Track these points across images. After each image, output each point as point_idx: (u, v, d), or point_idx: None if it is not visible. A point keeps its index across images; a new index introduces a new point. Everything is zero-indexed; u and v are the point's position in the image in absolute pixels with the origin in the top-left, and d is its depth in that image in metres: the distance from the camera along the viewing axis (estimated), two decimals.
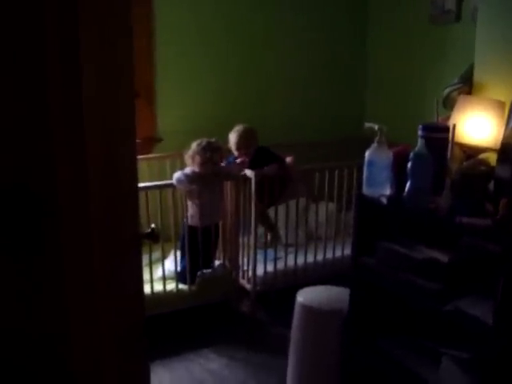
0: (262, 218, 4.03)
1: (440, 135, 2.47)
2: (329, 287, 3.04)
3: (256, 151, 4.04)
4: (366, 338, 2.73)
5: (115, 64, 1.74)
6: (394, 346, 2.65)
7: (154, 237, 2.30)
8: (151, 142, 4.19)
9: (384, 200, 2.53)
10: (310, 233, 4.17)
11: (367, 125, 2.64)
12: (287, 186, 4.04)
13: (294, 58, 4.71)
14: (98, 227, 1.74)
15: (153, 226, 2.31)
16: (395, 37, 4.66)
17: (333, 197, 4.10)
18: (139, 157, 4.17)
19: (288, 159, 4.04)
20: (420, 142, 2.42)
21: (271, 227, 4.07)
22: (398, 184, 2.55)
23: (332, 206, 4.19)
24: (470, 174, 2.33)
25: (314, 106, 4.85)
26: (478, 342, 2.36)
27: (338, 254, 4.15)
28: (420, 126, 2.50)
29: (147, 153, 4.14)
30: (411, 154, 2.41)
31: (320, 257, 4.09)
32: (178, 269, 3.73)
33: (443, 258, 2.39)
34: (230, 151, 4.06)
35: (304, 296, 2.93)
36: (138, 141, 4.02)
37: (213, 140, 3.71)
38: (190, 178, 3.60)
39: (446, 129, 2.50)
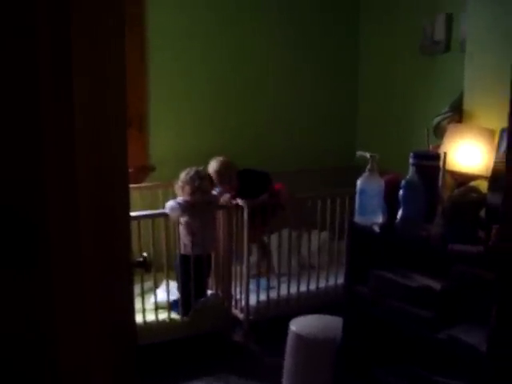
0: (259, 242, 4.03)
1: (431, 163, 2.49)
2: (322, 316, 3.03)
3: (240, 177, 4.01)
4: (359, 367, 2.71)
5: (107, 89, 1.74)
6: (389, 375, 2.63)
7: (146, 265, 2.29)
8: (144, 171, 4.18)
9: (376, 228, 2.53)
10: (303, 261, 4.15)
11: (359, 153, 2.65)
12: (277, 214, 4.04)
13: (288, 88, 4.74)
14: (88, 254, 1.73)
15: (145, 254, 2.30)
16: (385, 65, 4.71)
17: (325, 225, 4.10)
18: (131, 186, 4.16)
19: (280, 189, 4.04)
20: (411, 170, 2.44)
21: (266, 251, 4.07)
22: (389, 212, 2.55)
23: (325, 234, 4.20)
24: (461, 201, 2.34)
25: (306, 135, 4.88)
26: (471, 370, 2.34)
27: (331, 282, 4.14)
28: (411, 154, 2.51)
29: (140, 182, 4.13)
30: (403, 182, 2.42)
31: (313, 286, 4.07)
32: (171, 298, 3.70)
33: (436, 285, 2.39)
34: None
35: (297, 325, 2.91)
36: (130, 170, 4.01)
37: (200, 168, 3.72)
38: (183, 207, 3.60)
39: (437, 157, 2.52)
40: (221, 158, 3.97)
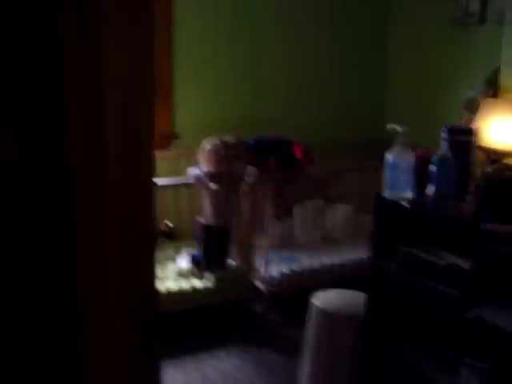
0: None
1: (465, 138, 2.39)
2: (344, 291, 2.96)
3: (253, 150, 3.86)
4: (383, 344, 2.65)
5: (137, 52, 1.67)
6: (413, 353, 2.57)
7: (170, 234, 2.25)
8: (168, 138, 4.12)
9: (406, 203, 2.45)
10: (327, 235, 4.08)
11: (390, 126, 2.56)
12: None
13: (312, 57, 4.61)
14: (114, 222, 1.68)
15: (169, 223, 2.25)
16: (417, 38, 4.55)
17: (351, 199, 4.02)
18: (155, 153, 4.09)
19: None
20: (444, 145, 2.35)
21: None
22: (419, 188, 2.47)
23: (349, 207, 4.12)
24: (495, 179, 2.25)
25: (332, 107, 4.76)
26: (499, 353, 2.27)
27: (355, 256, 4.07)
28: (444, 129, 2.42)
29: (163, 149, 4.07)
30: (435, 158, 2.34)
31: (336, 259, 4.01)
32: (194, 255, 3.66)
33: (465, 264, 2.31)
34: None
35: (319, 299, 2.85)
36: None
37: (226, 138, 3.64)
38: (208, 177, 3.55)
39: (471, 132, 2.42)
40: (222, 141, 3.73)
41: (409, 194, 2.48)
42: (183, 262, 3.70)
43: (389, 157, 2.51)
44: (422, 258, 2.43)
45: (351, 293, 2.93)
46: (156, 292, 2.16)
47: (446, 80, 4.22)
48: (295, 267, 3.90)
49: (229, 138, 3.67)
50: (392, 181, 2.51)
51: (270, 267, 3.79)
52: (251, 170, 3.66)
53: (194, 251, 3.67)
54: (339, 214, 4.04)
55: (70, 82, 1.44)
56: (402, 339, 2.62)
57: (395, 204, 2.49)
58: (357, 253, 4.06)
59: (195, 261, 3.66)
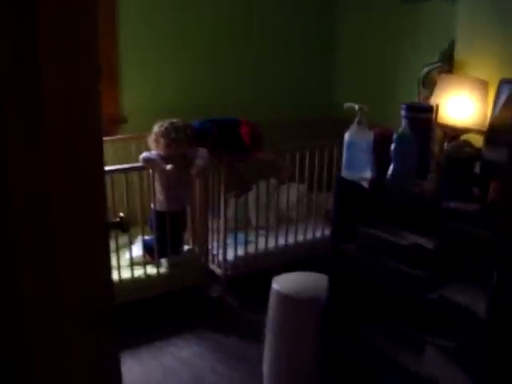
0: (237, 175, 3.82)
1: (424, 116, 2.32)
2: (305, 273, 2.87)
3: (200, 131, 3.65)
4: (346, 326, 2.58)
5: (77, 34, 1.52)
6: (376, 335, 2.51)
7: (123, 226, 2.12)
8: (115, 123, 3.94)
9: (365, 183, 2.36)
10: (281, 215, 3.98)
11: (347, 105, 2.46)
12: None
13: (263, 37, 4.47)
14: (59, 216, 1.55)
15: (121, 214, 2.12)
16: (365, 17, 4.44)
17: (303, 178, 3.93)
18: (103, 139, 3.92)
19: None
20: (404, 123, 2.27)
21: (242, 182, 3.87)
22: (379, 167, 2.39)
23: (303, 186, 4.02)
24: (456, 156, 2.18)
25: (283, 87, 4.63)
26: (464, 331, 2.22)
27: (310, 236, 3.99)
28: (403, 106, 2.34)
29: (111, 134, 3.89)
30: (394, 136, 2.25)
31: (291, 239, 3.92)
32: (146, 243, 3.52)
33: (428, 244, 2.25)
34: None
35: (280, 283, 2.76)
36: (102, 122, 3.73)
37: (175, 120, 3.48)
38: (158, 160, 3.40)
39: (431, 109, 2.34)
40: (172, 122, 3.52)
41: (368, 174, 2.40)
42: (137, 250, 3.55)
43: (346, 136, 2.42)
44: (382, 239, 2.36)
45: (311, 275, 2.85)
46: (111, 284, 2.03)
47: (397, 57, 4.13)
48: (250, 249, 3.79)
49: (177, 121, 3.52)
50: (350, 160, 2.42)
51: (226, 250, 3.68)
52: (202, 151, 3.52)
53: (148, 240, 3.53)
54: (293, 193, 3.94)
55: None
56: (364, 321, 2.56)
57: (354, 184, 2.40)
58: (312, 232, 3.99)
59: (148, 247, 3.52)
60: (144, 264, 3.50)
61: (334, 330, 2.60)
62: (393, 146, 2.24)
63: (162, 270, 3.56)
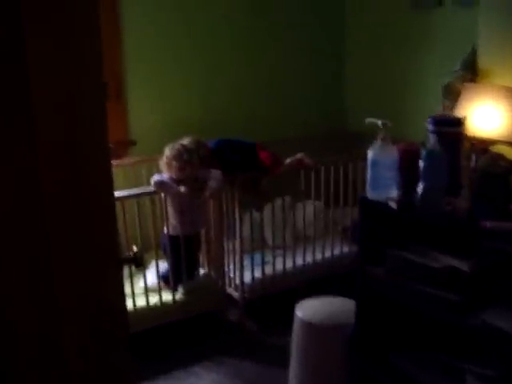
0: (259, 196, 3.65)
1: (454, 129, 2.13)
2: (329, 298, 2.69)
3: (223, 151, 3.53)
4: (376, 355, 2.39)
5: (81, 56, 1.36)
6: (409, 363, 2.32)
7: (137, 261, 1.94)
8: (124, 146, 3.78)
9: (393, 204, 2.18)
10: (298, 233, 3.80)
11: (368, 120, 2.29)
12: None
13: (270, 54, 4.30)
14: (61, 252, 1.40)
15: (134, 248, 1.94)
16: (375, 26, 4.27)
17: (319, 194, 3.74)
18: (112, 162, 3.75)
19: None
20: (431, 138, 2.09)
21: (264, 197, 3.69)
22: (405, 185, 2.21)
23: (319, 203, 3.83)
24: (491, 171, 2.00)
25: (294, 103, 4.46)
26: (506, 358, 2.03)
27: (328, 254, 3.79)
28: (429, 120, 2.16)
29: (120, 158, 3.72)
30: (423, 152, 2.07)
31: (309, 258, 3.73)
32: (161, 271, 3.34)
33: (463, 265, 2.06)
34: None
35: (303, 310, 2.57)
36: (110, 146, 3.56)
37: (187, 141, 3.32)
38: (172, 182, 3.23)
39: (460, 122, 2.15)
40: (188, 138, 3.38)
41: (394, 193, 2.22)
42: (151, 277, 3.37)
43: (370, 154, 2.24)
44: (414, 261, 2.17)
45: (335, 300, 2.66)
46: (126, 316, 1.86)
47: (412, 66, 3.93)
48: (268, 271, 3.61)
49: (189, 142, 3.35)
50: (375, 180, 2.25)
51: (242, 273, 3.49)
52: (215, 173, 3.35)
53: (162, 268, 3.35)
54: (309, 210, 3.75)
55: None
56: (395, 349, 2.36)
57: (380, 204, 2.22)
58: (330, 250, 3.80)
59: (164, 278, 3.35)
60: (159, 291, 3.32)
61: (363, 359, 2.41)
62: (422, 164, 2.07)
63: (178, 296, 3.37)
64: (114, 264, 1.76)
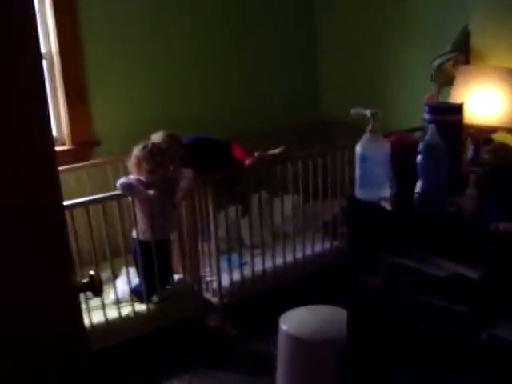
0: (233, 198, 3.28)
1: (454, 118, 1.78)
2: (317, 307, 2.33)
3: (196, 149, 3.18)
4: (372, 372, 2.05)
5: None
6: (409, 379, 1.98)
7: (95, 288, 1.58)
8: (88, 147, 3.37)
9: (387, 204, 1.83)
10: (276, 230, 3.44)
11: (354, 110, 1.94)
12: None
13: (237, 43, 3.90)
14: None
15: (91, 272, 1.58)
16: (348, 11, 3.88)
17: (297, 189, 3.37)
18: (76, 165, 3.39)
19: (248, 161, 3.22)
20: (430, 129, 1.73)
21: (244, 200, 3.32)
22: (400, 183, 1.86)
23: (297, 198, 3.46)
24: (501, 164, 1.65)
25: (264, 94, 4.07)
26: None
27: (309, 251, 3.44)
28: (426, 108, 1.81)
29: (84, 159, 3.33)
30: (421, 145, 1.73)
31: (290, 257, 3.38)
32: (133, 285, 2.96)
33: (471, 273, 1.72)
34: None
35: (288, 322, 2.22)
36: (72, 147, 3.14)
37: (160, 138, 2.94)
38: (140, 185, 2.84)
39: (460, 109, 1.80)
40: (160, 132, 3.08)
41: (387, 192, 1.87)
42: (122, 287, 2.99)
43: (358, 148, 1.89)
44: (414, 270, 1.83)
45: (323, 310, 2.32)
46: (86, 344, 1.55)
47: (391, 51, 3.53)
48: (247, 272, 3.25)
49: (162, 140, 2.97)
50: (364, 177, 1.90)
51: (220, 276, 3.13)
52: (187, 172, 2.97)
53: (134, 281, 2.97)
54: (288, 205, 3.39)
55: None
56: (394, 365, 2.02)
57: (372, 205, 1.87)
58: (311, 247, 3.45)
59: (137, 293, 2.97)
60: (132, 301, 2.94)
61: (358, 376, 2.07)
62: (419, 159, 1.72)
63: (153, 305, 3.00)
64: (69, 293, 1.44)
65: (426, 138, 1.71)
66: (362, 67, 3.79)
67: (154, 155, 2.84)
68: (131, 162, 2.90)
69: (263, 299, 3.28)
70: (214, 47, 3.80)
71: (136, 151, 2.88)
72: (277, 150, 3.21)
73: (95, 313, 2.85)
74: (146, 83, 3.54)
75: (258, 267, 3.28)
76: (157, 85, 3.59)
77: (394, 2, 3.39)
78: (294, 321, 2.22)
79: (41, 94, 1.27)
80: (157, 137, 3.06)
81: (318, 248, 3.47)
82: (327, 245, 3.48)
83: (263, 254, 3.28)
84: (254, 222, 3.28)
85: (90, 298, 2.81)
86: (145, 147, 2.86)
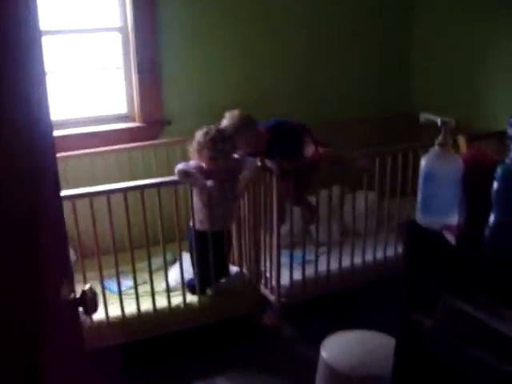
0: (301, 202, 2.94)
1: None
2: (365, 334, 1.96)
3: (269, 133, 2.87)
4: None
5: None
6: None
7: (87, 305, 1.32)
8: (158, 125, 3.14)
9: (451, 236, 1.42)
10: (347, 228, 3.05)
11: (424, 116, 1.53)
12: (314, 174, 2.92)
13: (324, 28, 3.46)
14: None
15: (86, 287, 1.32)
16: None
17: (372, 185, 2.96)
18: (144, 143, 3.17)
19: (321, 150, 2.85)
20: None
21: (311, 208, 2.96)
22: (471, 210, 1.44)
23: (372, 195, 3.05)
24: None
25: (348, 82, 3.63)
26: None
27: (380, 254, 3.03)
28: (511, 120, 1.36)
29: (153, 138, 3.11)
30: (499, 170, 1.29)
31: (358, 259, 2.99)
32: (187, 277, 2.71)
33: None
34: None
35: (330, 350, 1.86)
36: (142, 124, 2.91)
37: (223, 127, 2.63)
38: (200, 173, 2.56)
39: None
40: (236, 112, 2.78)
41: (454, 220, 1.46)
42: (174, 274, 2.75)
43: (423, 164, 1.48)
44: (474, 318, 1.42)
45: (372, 337, 1.94)
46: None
47: (495, 47, 2.98)
48: (309, 272, 2.90)
49: (229, 124, 2.68)
50: (428, 199, 1.50)
51: (279, 273, 2.81)
52: (251, 161, 2.66)
53: (188, 274, 2.72)
54: (361, 202, 2.98)
55: None
56: None
57: (434, 234, 1.47)
58: (383, 250, 3.04)
59: (190, 287, 2.73)
60: (183, 291, 2.69)
61: None
62: (495, 186, 1.29)
63: (205, 298, 2.74)
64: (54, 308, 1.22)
65: (507, 160, 1.28)
66: (457, 59, 3.27)
67: (215, 142, 2.55)
68: (192, 147, 2.62)
69: (326, 302, 2.94)
70: (294, 30, 3.39)
71: (198, 136, 2.59)
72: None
73: (144, 299, 2.64)
74: (221, 64, 3.22)
75: (322, 267, 2.93)
76: (231, 66, 3.26)
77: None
78: (335, 348, 1.86)
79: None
80: (229, 117, 2.76)
81: (390, 251, 3.06)
82: (401, 249, 3.05)
83: (329, 253, 2.91)
84: (322, 217, 2.92)
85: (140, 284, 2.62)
86: (207, 133, 2.57)
